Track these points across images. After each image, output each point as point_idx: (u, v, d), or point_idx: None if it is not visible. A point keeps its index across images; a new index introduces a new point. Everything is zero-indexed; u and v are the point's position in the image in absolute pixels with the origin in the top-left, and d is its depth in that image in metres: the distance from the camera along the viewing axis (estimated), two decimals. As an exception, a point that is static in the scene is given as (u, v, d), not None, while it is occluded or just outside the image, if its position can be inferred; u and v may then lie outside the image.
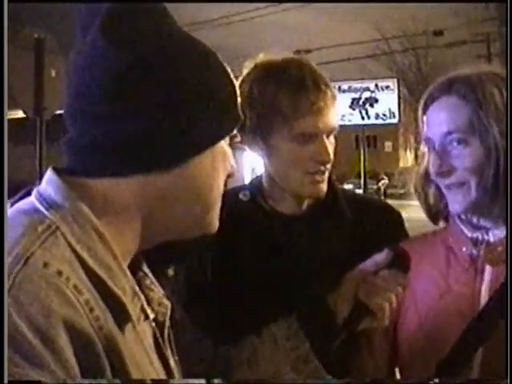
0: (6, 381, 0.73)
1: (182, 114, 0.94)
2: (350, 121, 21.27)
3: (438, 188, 1.51)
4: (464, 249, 1.49)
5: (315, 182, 1.64)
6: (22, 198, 0.96)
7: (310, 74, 1.61)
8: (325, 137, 1.62)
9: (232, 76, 1.06)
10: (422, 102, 1.52)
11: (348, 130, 23.55)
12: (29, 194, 0.96)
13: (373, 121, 21.83)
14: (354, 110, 21.51)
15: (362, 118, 21.65)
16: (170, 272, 1.09)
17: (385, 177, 32.23)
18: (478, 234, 1.48)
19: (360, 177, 22.96)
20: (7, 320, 0.76)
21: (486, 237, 1.47)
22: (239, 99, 1.04)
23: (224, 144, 1.02)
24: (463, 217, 1.50)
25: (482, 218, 1.47)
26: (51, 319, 0.78)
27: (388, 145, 41.69)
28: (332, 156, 1.65)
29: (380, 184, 30.23)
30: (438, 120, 1.46)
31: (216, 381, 1.29)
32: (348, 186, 20.13)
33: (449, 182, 1.44)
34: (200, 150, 0.97)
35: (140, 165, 0.94)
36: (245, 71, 1.65)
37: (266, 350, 1.33)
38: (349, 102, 21.37)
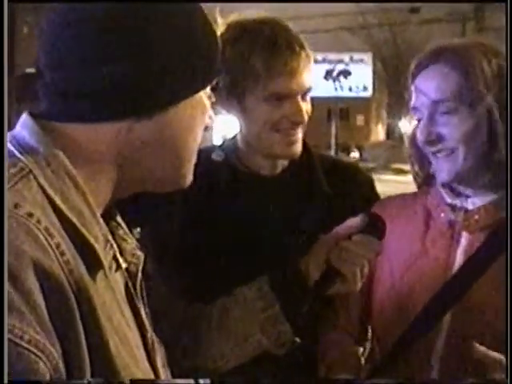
0: (5, 381, 0.72)
1: (160, 62, 0.93)
2: (323, 92, 21.27)
3: (425, 155, 1.51)
4: (442, 214, 1.52)
5: (289, 142, 1.65)
6: None
7: (284, 33, 1.61)
8: (299, 97, 1.63)
9: (214, 28, 1.05)
10: (410, 70, 1.52)
11: (321, 101, 23.51)
12: None
13: (346, 93, 21.89)
14: (327, 81, 21.53)
15: (335, 90, 21.70)
16: (136, 234, 1.09)
17: (356, 150, 32.34)
18: (457, 201, 1.50)
19: (331, 148, 23.04)
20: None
21: (464, 204, 1.49)
22: (219, 52, 1.04)
23: (203, 96, 1.02)
24: (443, 184, 1.51)
25: (465, 186, 1.49)
26: (21, 260, 0.77)
27: (360, 118, 41.73)
28: (306, 117, 1.65)
29: (350, 157, 30.32)
30: (427, 89, 1.46)
31: (202, 381, 1.30)
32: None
33: (436, 150, 1.45)
34: (178, 99, 0.96)
35: (116, 111, 0.92)
36: (217, 31, 1.64)
37: (236, 309, 1.33)
38: (323, 73, 21.37)
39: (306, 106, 1.65)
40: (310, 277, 1.31)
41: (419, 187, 1.61)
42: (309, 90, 1.66)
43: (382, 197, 1.80)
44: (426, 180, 1.58)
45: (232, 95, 1.62)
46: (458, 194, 1.51)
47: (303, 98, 1.65)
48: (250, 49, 1.58)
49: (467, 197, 1.49)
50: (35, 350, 0.75)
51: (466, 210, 1.49)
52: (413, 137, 1.55)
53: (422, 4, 28.49)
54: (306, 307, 1.32)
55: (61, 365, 0.79)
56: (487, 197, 1.47)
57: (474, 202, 1.49)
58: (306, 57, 1.62)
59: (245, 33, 1.60)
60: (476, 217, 1.47)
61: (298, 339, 1.34)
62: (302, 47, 1.62)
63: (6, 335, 0.73)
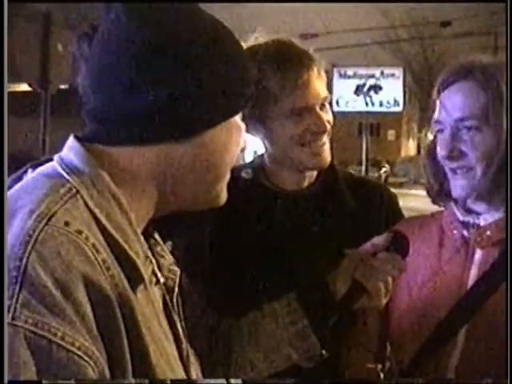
0: (5, 381, 0.77)
1: (199, 89, 0.98)
2: (353, 107, 21.23)
3: (442, 169, 1.53)
4: (455, 231, 1.54)
5: (317, 153, 1.70)
6: (25, 172, 1.00)
7: (291, 50, 1.67)
8: (317, 108, 1.67)
9: (247, 53, 1.11)
10: (437, 84, 1.53)
11: (351, 116, 23.52)
12: (34, 167, 1.00)
13: (377, 108, 21.80)
14: (358, 96, 21.47)
15: (366, 105, 21.62)
16: (168, 247, 1.13)
17: (386, 165, 32.19)
18: (469, 218, 1.52)
19: (361, 164, 22.96)
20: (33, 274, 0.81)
21: (476, 221, 1.51)
22: (253, 76, 1.09)
23: (238, 119, 1.07)
24: (457, 201, 1.53)
25: (479, 203, 1.50)
26: (72, 274, 0.83)
27: (391, 133, 41.60)
28: (328, 126, 1.70)
29: (381, 172, 30.20)
30: (453, 104, 1.47)
31: (233, 381, 1.34)
32: (349, 173, 20.01)
33: (456, 167, 1.47)
34: (214, 123, 1.01)
35: (157, 135, 0.98)
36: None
37: (266, 324, 1.37)
38: (353, 88, 21.33)
39: (326, 116, 1.70)
40: (336, 292, 1.35)
41: (433, 201, 1.61)
42: (325, 99, 1.71)
43: (413, 211, 1.81)
44: (439, 193, 1.58)
45: (253, 118, 1.66)
46: (470, 211, 1.52)
47: (322, 109, 1.69)
48: (261, 72, 1.62)
49: (478, 214, 1.51)
50: (84, 356, 0.81)
51: (479, 227, 1.51)
52: (429, 149, 1.56)
53: (453, 17, 28.38)
54: (332, 321, 1.36)
55: (106, 370, 0.85)
56: (498, 213, 1.49)
57: (486, 218, 1.50)
58: (317, 68, 1.68)
59: (254, 57, 1.64)
60: (488, 233, 1.49)
61: (325, 352, 1.37)
62: (310, 60, 1.67)
63: (6, 335, 0.78)
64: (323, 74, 1.71)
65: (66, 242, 0.85)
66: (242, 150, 1.11)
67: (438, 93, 1.52)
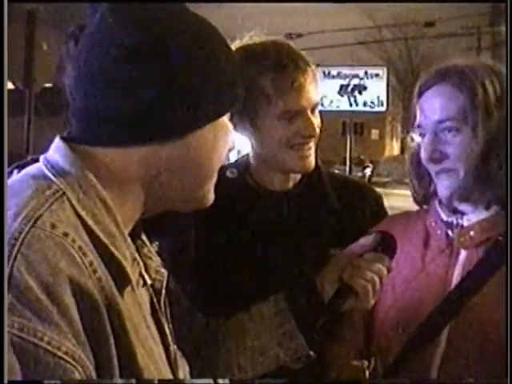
0: (5, 381, 0.77)
1: (186, 90, 0.98)
2: (337, 107, 21.28)
3: (426, 173, 1.55)
4: (439, 231, 1.55)
5: (303, 157, 1.70)
6: (10, 172, 0.99)
7: (289, 53, 1.67)
8: (309, 112, 1.68)
9: (235, 54, 1.10)
10: (416, 88, 1.55)
11: (335, 116, 23.56)
12: (19, 168, 0.99)
13: (361, 108, 21.87)
14: (342, 96, 21.53)
15: (350, 105, 21.68)
16: (155, 247, 1.13)
17: (370, 164, 32.27)
18: (453, 219, 1.53)
19: (345, 163, 23.01)
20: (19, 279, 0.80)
21: (460, 221, 1.52)
22: (240, 78, 1.08)
23: (226, 119, 1.06)
24: (443, 201, 1.54)
25: (463, 203, 1.51)
26: (58, 278, 0.82)
27: (375, 132, 41.73)
28: (317, 130, 1.71)
29: (365, 171, 30.27)
30: (432, 107, 1.49)
31: (221, 381, 1.34)
32: (333, 172, 20.04)
33: (439, 169, 1.48)
34: (202, 123, 1.01)
35: (144, 136, 0.97)
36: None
37: (253, 325, 1.37)
38: (337, 88, 21.38)
39: (316, 121, 1.71)
40: (324, 293, 1.35)
41: (419, 205, 1.63)
42: (317, 104, 1.71)
43: (396, 211, 1.82)
44: (424, 198, 1.60)
45: (244, 117, 1.66)
46: (454, 211, 1.53)
47: (313, 113, 1.70)
48: (257, 71, 1.63)
49: (463, 214, 1.52)
50: (71, 361, 0.81)
51: (462, 227, 1.52)
52: (413, 154, 1.58)
53: (437, 18, 28.51)
54: (320, 322, 1.35)
55: (93, 374, 0.84)
56: (482, 214, 1.50)
57: (470, 218, 1.51)
58: (312, 73, 1.68)
59: (251, 56, 1.65)
60: (471, 233, 1.50)
61: (312, 353, 1.37)
62: (307, 64, 1.68)
63: (6, 335, 0.78)
64: (317, 78, 1.71)
65: (53, 244, 0.84)
66: (231, 151, 1.10)
67: (418, 97, 1.54)
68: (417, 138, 1.54)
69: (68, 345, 0.81)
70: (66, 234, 0.86)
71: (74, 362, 0.81)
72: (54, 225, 0.86)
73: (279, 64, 1.64)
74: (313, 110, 1.70)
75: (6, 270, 0.80)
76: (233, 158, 1.97)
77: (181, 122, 0.99)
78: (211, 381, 1.31)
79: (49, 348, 0.79)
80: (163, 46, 0.96)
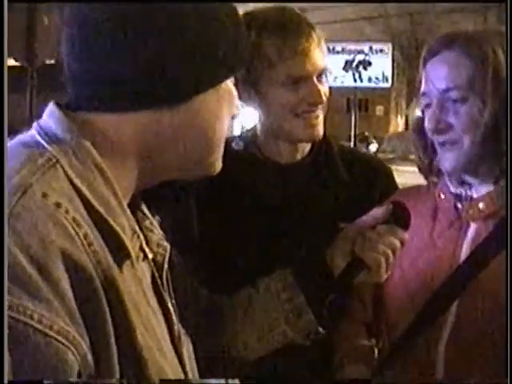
0: (5, 381, 0.72)
1: (186, 50, 0.92)
2: (342, 82, 21.15)
3: (431, 145, 1.50)
4: (447, 204, 1.51)
5: (310, 125, 1.66)
6: None
7: (292, 17, 1.63)
8: (315, 78, 1.64)
9: (240, 17, 1.04)
10: (422, 55, 1.50)
11: (340, 91, 23.40)
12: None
13: (365, 84, 21.72)
14: (346, 72, 21.37)
15: (355, 81, 21.53)
16: (156, 220, 1.09)
17: (374, 141, 32.15)
18: (461, 190, 1.49)
19: (350, 140, 22.93)
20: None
21: (469, 192, 1.48)
22: (245, 41, 1.04)
23: (230, 84, 1.01)
24: (446, 174, 1.50)
25: (469, 175, 1.47)
26: (49, 250, 0.77)
27: (379, 109, 41.50)
28: (324, 98, 1.66)
29: (369, 148, 30.15)
30: (438, 76, 1.44)
31: (231, 381, 1.30)
32: (337, 149, 20.01)
33: (443, 140, 1.44)
34: (204, 88, 0.96)
35: (142, 100, 0.92)
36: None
37: (260, 300, 1.31)
38: (342, 63, 21.22)
39: (323, 88, 1.66)
40: (335, 267, 1.29)
41: (425, 177, 1.59)
42: (323, 70, 1.67)
43: (401, 186, 1.79)
44: (430, 169, 1.55)
45: (248, 84, 1.63)
46: (462, 183, 1.49)
47: (319, 80, 1.65)
48: (259, 36, 1.60)
49: (471, 186, 1.48)
50: (64, 341, 0.76)
51: (472, 199, 1.48)
52: (417, 124, 1.53)
53: (443, -7, 28.26)
54: (330, 298, 1.30)
55: (89, 355, 0.79)
56: (490, 185, 1.46)
57: (479, 190, 1.47)
58: (317, 37, 1.64)
59: (253, 21, 1.61)
60: (480, 205, 1.46)
61: (322, 329, 1.32)
62: (311, 28, 1.63)
63: (6, 336, 0.73)
64: (323, 45, 1.66)
65: (44, 215, 0.79)
66: (234, 118, 1.05)
67: (424, 65, 1.49)
68: (422, 109, 1.50)
69: (60, 323, 0.76)
70: (58, 204, 0.81)
71: (67, 342, 0.76)
72: (45, 194, 0.81)
73: (282, 28, 1.60)
74: (319, 77, 1.65)
75: (6, 270, 0.75)
76: (237, 133, 1.94)
77: (182, 85, 0.93)
78: (222, 381, 1.27)
79: (39, 327, 0.74)
80: (164, 6, 0.91)
